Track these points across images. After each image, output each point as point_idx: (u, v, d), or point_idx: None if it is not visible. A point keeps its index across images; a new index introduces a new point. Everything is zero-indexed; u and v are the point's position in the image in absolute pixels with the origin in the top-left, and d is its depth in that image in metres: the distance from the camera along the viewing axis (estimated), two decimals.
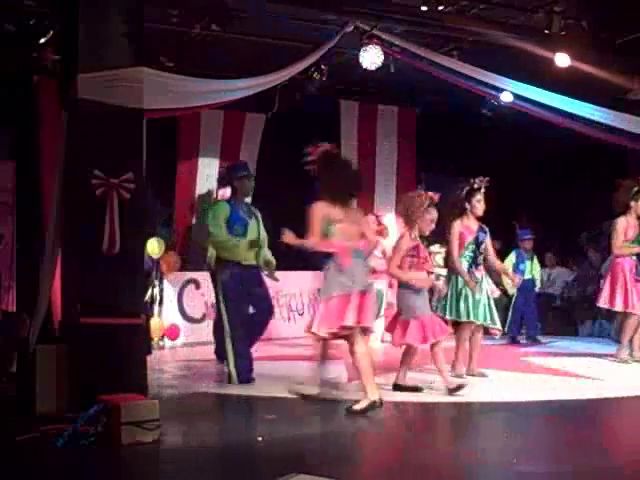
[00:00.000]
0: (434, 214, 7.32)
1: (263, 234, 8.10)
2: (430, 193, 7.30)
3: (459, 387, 7.07)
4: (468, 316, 7.90)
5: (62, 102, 6.78)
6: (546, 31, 9.24)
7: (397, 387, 7.34)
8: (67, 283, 6.70)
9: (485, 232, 8.12)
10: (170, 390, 7.53)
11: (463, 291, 7.92)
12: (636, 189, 9.09)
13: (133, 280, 6.61)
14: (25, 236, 10.09)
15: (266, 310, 8.08)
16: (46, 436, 5.51)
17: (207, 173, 12.30)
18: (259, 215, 8.18)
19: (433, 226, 7.37)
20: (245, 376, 7.71)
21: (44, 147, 10.16)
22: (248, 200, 8.35)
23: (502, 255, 10.63)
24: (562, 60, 9.28)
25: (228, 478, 4.94)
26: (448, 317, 7.94)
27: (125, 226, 6.45)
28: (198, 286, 11.22)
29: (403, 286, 7.23)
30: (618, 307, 9.10)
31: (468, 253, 8.02)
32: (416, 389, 7.28)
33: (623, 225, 9.08)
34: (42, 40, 9.18)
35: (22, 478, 4.93)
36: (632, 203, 9.07)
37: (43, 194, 9.88)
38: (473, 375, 8.09)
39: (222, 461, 5.24)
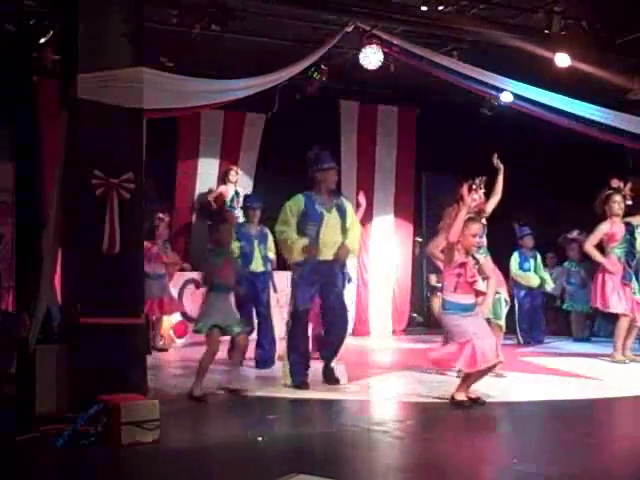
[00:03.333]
0: (474, 228, 6.65)
1: (351, 223, 7.74)
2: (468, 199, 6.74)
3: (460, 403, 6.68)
4: None
5: (62, 102, 6.78)
6: (546, 31, 9.24)
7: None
8: (67, 283, 6.70)
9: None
10: (170, 390, 7.53)
11: None
12: (607, 192, 9.10)
13: (133, 280, 6.61)
14: (25, 236, 10.10)
15: (339, 324, 7.81)
16: (46, 436, 5.51)
17: (207, 173, 12.32)
18: (345, 204, 7.81)
19: (477, 240, 6.75)
20: (297, 379, 7.51)
21: (44, 147, 10.18)
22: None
23: (505, 256, 10.65)
24: (562, 60, 9.28)
25: (228, 478, 4.95)
26: None
27: (125, 226, 6.45)
28: (198, 286, 11.21)
29: (447, 309, 6.69)
30: (613, 308, 9.11)
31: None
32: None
33: (605, 230, 9.08)
34: (42, 40, 9.19)
35: (22, 478, 4.93)
36: (606, 207, 9.09)
37: (43, 194, 9.91)
38: (491, 375, 8.01)
39: (222, 461, 5.24)
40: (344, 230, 7.66)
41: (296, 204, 7.62)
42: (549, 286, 11.42)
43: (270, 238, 9.16)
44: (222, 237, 7.28)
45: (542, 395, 7.23)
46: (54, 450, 5.27)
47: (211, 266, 7.21)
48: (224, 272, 7.14)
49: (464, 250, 6.60)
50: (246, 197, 10.27)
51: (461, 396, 6.69)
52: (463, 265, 6.58)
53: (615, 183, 9.09)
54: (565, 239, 11.68)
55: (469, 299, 6.64)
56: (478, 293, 6.74)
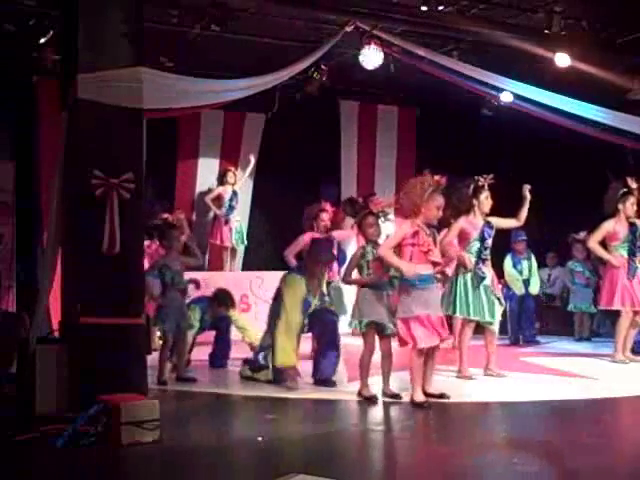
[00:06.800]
0: (440, 200, 6.68)
1: None
2: (436, 177, 6.75)
3: (422, 404, 6.60)
4: (462, 312, 7.93)
5: (62, 102, 6.78)
6: (546, 31, 9.23)
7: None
8: (67, 283, 6.70)
9: (491, 227, 8.14)
10: (170, 390, 7.53)
11: (457, 288, 7.93)
12: (623, 191, 9.09)
13: (133, 280, 6.61)
14: (25, 236, 10.10)
15: None
16: (46, 436, 5.51)
17: (207, 173, 12.32)
18: None
19: (440, 214, 6.75)
20: None
21: (44, 147, 10.18)
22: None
23: (499, 257, 10.63)
24: (562, 60, 9.28)
25: (229, 478, 4.95)
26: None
27: (125, 226, 6.45)
28: (198, 286, 11.21)
29: (404, 280, 6.66)
30: (616, 305, 9.11)
31: (474, 249, 8.03)
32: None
33: (608, 228, 9.07)
34: (42, 40, 9.19)
35: (22, 478, 4.94)
36: (620, 206, 9.07)
37: (42, 194, 9.92)
38: (492, 375, 8.06)
39: (222, 461, 5.23)
40: None
41: None
42: (534, 289, 11.29)
43: None
44: (367, 231, 7.03)
45: (542, 395, 7.22)
46: (54, 450, 5.27)
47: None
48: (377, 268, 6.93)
49: (426, 221, 6.63)
50: None
51: (420, 397, 6.62)
52: (415, 234, 6.59)
53: (632, 183, 9.07)
54: (572, 239, 11.68)
55: (425, 269, 6.61)
56: (435, 264, 6.71)
